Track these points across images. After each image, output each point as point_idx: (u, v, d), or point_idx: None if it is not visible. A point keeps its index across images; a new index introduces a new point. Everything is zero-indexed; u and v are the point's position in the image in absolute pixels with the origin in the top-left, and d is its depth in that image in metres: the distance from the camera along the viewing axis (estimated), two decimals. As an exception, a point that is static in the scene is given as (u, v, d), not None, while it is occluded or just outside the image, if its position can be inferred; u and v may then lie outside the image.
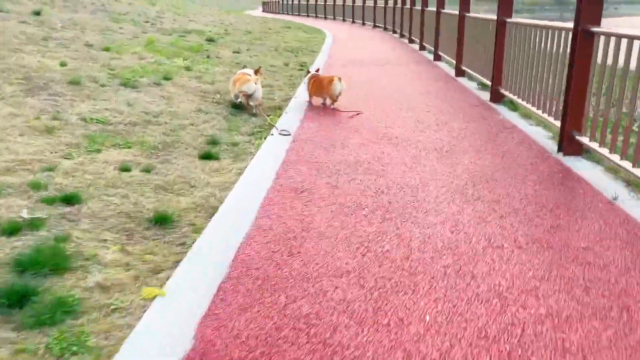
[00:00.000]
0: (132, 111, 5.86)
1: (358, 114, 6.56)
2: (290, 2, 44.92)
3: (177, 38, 12.56)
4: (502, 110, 6.72)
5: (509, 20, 6.77)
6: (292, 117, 6.50)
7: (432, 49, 12.76)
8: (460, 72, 9.47)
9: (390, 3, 21.21)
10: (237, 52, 11.99)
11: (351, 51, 14.25)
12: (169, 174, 4.24)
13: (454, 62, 9.87)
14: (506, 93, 6.81)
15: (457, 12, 9.42)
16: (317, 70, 7.57)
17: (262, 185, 4.05)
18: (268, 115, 6.45)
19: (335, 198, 3.80)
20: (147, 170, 4.24)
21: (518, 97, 6.32)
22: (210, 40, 13.21)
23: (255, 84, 6.60)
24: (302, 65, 11.40)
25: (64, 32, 9.88)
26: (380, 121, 6.13)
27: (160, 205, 3.61)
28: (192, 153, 4.85)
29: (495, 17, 7.12)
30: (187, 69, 8.81)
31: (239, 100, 6.72)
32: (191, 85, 7.65)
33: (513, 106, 6.73)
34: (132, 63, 8.38)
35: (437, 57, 11.87)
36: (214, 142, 5.20)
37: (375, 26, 24.60)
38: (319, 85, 6.98)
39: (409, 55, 13.37)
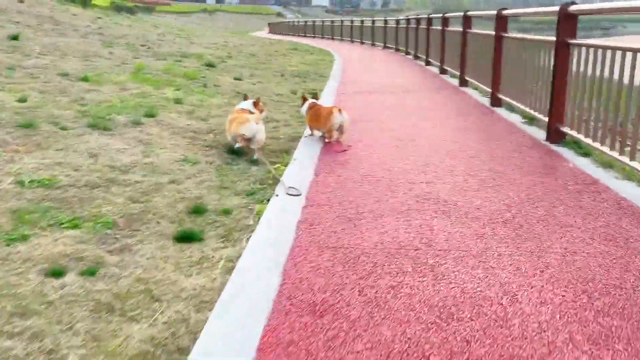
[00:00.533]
0: (95, 165, 4.47)
1: (348, 148, 5.40)
2: (296, 23, 43.99)
3: (172, 63, 11.26)
4: (568, 154, 5.29)
5: (571, 41, 5.38)
6: (302, 165, 5.10)
7: (456, 72, 11.42)
8: (496, 102, 8.07)
9: (403, 23, 19.96)
10: (239, 79, 10.66)
11: (364, 75, 12.92)
12: (123, 277, 2.82)
13: (487, 88, 8.50)
14: (575, 134, 5.36)
15: (492, 33, 8.06)
16: (316, 97, 6.35)
17: (259, 303, 2.61)
18: (272, 164, 5.07)
19: (376, 329, 2.36)
20: (90, 272, 2.82)
21: (601, 145, 4.85)
22: (209, 65, 11.91)
23: (257, 123, 5.20)
24: (311, 94, 10.05)
25: (38, 60, 8.59)
26: (416, 173, 4.71)
27: (88, 354, 2.18)
28: (165, 231, 3.44)
29: (549, 37, 5.75)
30: (178, 101, 7.46)
31: (237, 145, 5.36)
32: (179, 124, 6.28)
33: (582, 149, 5.31)
34: (111, 96, 7.04)
35: (463, 82, 10.49)
36: (198, 210, 3.80)
37: (385, 47, 23.36)
38: (317, 117, 5.89)
39: (429, 80, 12.00)
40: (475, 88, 10.20)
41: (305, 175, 4.77)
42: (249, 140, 5.29)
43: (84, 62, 9.22)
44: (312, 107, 6.05)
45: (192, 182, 4.43)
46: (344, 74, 13.32)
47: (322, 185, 4.47)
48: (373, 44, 25.51)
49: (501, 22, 7.88)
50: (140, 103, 6.89)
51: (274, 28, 51.44)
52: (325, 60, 17.11)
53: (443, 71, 12.86)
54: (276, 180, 4.53)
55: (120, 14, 31.35)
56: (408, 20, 18.82)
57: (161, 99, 7.39)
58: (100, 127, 5.48)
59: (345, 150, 5.58)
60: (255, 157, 5.24)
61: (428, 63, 15.15)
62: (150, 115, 6.30)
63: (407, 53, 19.34)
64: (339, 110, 5.66)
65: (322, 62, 16.42)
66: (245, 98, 6.20)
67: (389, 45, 22.89)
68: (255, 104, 5.83)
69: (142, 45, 14.14)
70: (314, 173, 4.83)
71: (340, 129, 5.75)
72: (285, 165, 5.12)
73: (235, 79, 10.63)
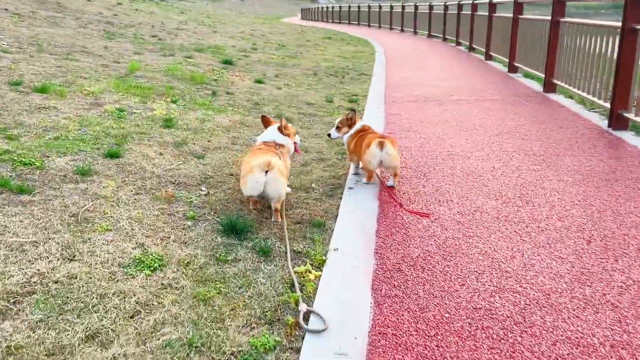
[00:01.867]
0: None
1: (425, 215, 2.98)
2: (330, 9, 41.31)
3: (180, 61, 9.03)
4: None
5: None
6: (347, 267, 2.84)
7: (531, 70, 8.89)
8: (620, 122, 5.59)
9: (453, 9, 17.29)
10: (260, 82, 8.37)
11: (414, 73, 10.48)
12: None
13: (591, 98, 6.02)
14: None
15: (618, 23, 5.57)
16: (351, 121, 4.42)
17: None
18: (297, 256, 2.86)
19: None
20: None
21: None
22: (226, 62, 9.64)
23: (267, 172, 3.26)
24: (351, 101, 7.72)
25: (-5, 60, 6.46)
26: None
27: None
28: None
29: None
30: (168, 122, 5.23)
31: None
32: (156, 169, 4.03)
33: None
34: (68, 117, 4.85)
35: (550, 88, 7.97)
36: None
37: (430, 35, 20.71)
38: (357, 147, 4.22)
39: (498, 82, 9.49)
40: (568, 95, 7.71)
41: (354, 299, 2.50)
42: (261, 197, 3.37)
43: (60, 62, 7.07)
44: (361, 132, 4.31)
45: (133, 328, 2.19)
46: (389, 71, 10.89)
47: (391, 334, 2.17)
48: (415, 32, 22.84)
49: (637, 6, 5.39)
50: (108, 129, 4.68)
51: (306, 14, 48.85)
52: (364, 53, 14.66)
53: (513, 69, 10.31)
54: (296, 305, 2.30)
55: None
56: (460, 5, 16.17)
57: (144, 121, 5.17)
58: (13, 187, 3.28)
59: (423, 215, 3.30)
60: (274, 219, 3.39)
61: (489, 57, 12.56)
62: (114, 154, 4.08)
63: (458, 43, 16.71)
64: (381, 143, 3.90)
65: (361, 55, 13.99)
66: (266, 122, 4.03)
67: (434, 34, 20.25)
68: (282, 130, 3.85)
69: (152, 37, 11.97)
70: (371, 293, 2.55)
71: (389, 168, 4.03)
72: (319, 266, 2.85)
73: (257, 81, 8.34)
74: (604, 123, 5.93)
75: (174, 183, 3.84)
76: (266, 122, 3.98)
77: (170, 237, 3.05)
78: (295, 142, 3.91)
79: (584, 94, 6.66)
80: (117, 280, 2.56)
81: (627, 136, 5.41)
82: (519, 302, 2.51)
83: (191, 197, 3.63)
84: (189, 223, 3.25)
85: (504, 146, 5.12)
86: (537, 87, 8.59)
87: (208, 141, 4.96)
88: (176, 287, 2.57)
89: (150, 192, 3.62)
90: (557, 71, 7.81)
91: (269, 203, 3.42)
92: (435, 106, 7.31)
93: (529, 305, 2.49)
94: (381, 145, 3.84)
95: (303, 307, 2.43)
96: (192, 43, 12.05)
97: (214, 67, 8.84)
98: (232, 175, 4.14)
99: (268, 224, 3.33)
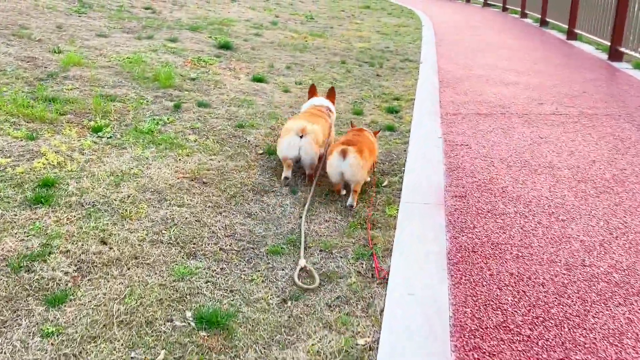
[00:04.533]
0: None
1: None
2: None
3: (156, 46, 6.46)
4: None
5: None
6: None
7: None
8: None
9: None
10: (260, 80, 5.72)
11: (475, 59, 7.64)
12: None
13: None
14: None
15: None
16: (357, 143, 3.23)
17: None
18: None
19: None
20: None
21: None
22: (224, 47, 7.02)
23: (302, 136, 3.20)
24: (391, 110, 5.08)
25: None
26: None
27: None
28: None
29: None
30: (43, 191, 2.75)
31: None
32: None
33: None
34: None
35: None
36: None
37: (486, 4, 17.43)
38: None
39: (602, 78, 6.59)
40: None
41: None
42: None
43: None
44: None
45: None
46: (441, 56, 8.05)
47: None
48: (468, 0, 19.50)
49: None
50: None
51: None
52: (409, 27, 11.73)
53: (616, 55, 7.34)
54: None
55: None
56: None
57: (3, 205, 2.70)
58: None
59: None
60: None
61: (571, 35, 9.51)
62: None
63: (524, 15, 13.54)
64: (343, 150, 3.04)
65: (405, 31, 11.08)
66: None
67: (492, 3, 16.98)
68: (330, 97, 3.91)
69: (146, 9, 9.42)
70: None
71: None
72: None
73: (255, 79, 5.70)
74: None
75: None
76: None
77: None
78: None
79: None
80: None
81: None
82: None
83: None
84: None
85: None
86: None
87: (102, 243, 2.47)
88: None
89: None
90: None
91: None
92: (521, 126, 4.57)
93: None
94: (343, 153, 3.02)
95: (302, 262, 2.44)
96: (195, 17, 9.44)
97: (200, 56, 6.25)
98: None
99: None
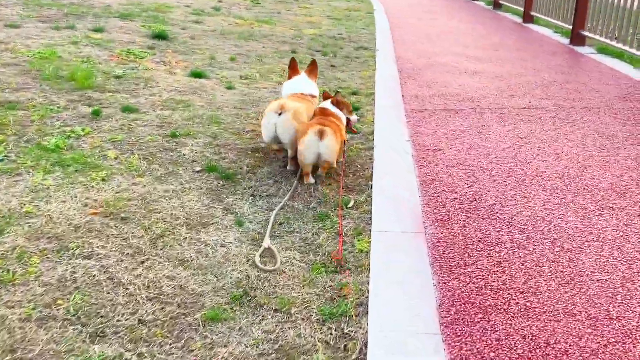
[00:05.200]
0: None
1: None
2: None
3: (77, 37, 5.56)
4: None
5: None
6: None
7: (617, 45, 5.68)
8: None
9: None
10: (200, 75, 4.95)
11: (435, 45, 7.10)
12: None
13: None
14: None
15: None
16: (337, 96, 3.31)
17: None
18: None
19: None
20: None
21: None
22: (158, 37, 6.16)
23: (280, 113, 3.02)
24: (353, 104, 4.44)
25: None
26: None
27: None
28: None
29: None
30: None
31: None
32: None
33: None
34: None
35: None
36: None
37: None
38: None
39: (569, 64, 6.19)
40: None
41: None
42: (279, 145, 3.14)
43: None
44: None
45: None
46: (398, 43, 7.47)
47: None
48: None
49: None
50: None
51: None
52: (360, 11, 11.09)
53: (578, 39, 6.97)
54: None
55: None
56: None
57: None
58: None
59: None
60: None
61: (528, 18, 9.14)
62: None
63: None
64: (319, 130, 2.93)
65: (356, 15, 10.44)
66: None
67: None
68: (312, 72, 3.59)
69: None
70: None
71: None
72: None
73: (194, 74, 4.94)
74: None
75: None
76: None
77: None
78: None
79: None
80: None
81: None
82: None
83: None
84: None
85: None
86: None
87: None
88: None
89: None
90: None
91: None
92: (496, 124, 4.05)
93: None
94: (321, 133, 2.88)
95: (267, 242, 2.38)
96: (127, 2, 8.48)
97: (130, 49, 5.42)
98: None
99: None
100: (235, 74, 5.24)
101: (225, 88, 4.74)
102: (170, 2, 9.63)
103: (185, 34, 6.73)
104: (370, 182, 3.09)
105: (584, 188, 3.01)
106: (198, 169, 3.10)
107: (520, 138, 3.78)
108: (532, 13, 8.95)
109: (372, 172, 3.23)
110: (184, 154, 3.25)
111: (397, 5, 12.47)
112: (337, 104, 3.27)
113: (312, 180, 3.02)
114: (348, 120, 3.33)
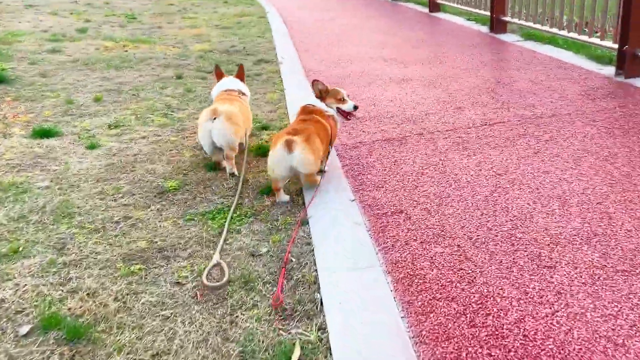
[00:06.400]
0: None
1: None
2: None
3: None
4: None
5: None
6: None
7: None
8: None
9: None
10: (49, 133, 3.53)
11: (347, 51, 6.04)
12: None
13: None
14: None
15: None
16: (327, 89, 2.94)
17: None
18: None
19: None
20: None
21: None
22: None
23: (215, 118, 2.93)
24: (264, 146, 3.26)
25: None
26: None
27: None
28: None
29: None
30: None
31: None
32: None
33: None
34: None
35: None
36: None
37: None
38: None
39: (503, 57, 5.39)
40: None
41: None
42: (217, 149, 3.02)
43: None
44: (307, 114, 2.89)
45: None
46: (302, 53, 6.33)
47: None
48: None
49: None
50: None
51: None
52: (252, 17, 9.83)
53: (499, 26, 6.21)
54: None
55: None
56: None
57: None
58: None
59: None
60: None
61: (434, 7, 8.38)
62: None
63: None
64: (288, 142, 2.55)
65: (248, 22, 9.19)
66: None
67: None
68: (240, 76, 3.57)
69: None
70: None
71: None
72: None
73: (40, 132, 3.50)
74: None
75: None
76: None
77: None
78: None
79: None
80: None
81: None
82: None
83: None
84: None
85: None
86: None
87: None
88: None
89: None
90: None
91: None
92: (459, 156, 3.02)
93: None
94: (289, 145, 2.52)
95: (216, 257, 2.17)
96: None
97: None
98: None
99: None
100: (101, 122, 3.86)
101: (85, 148, 3.36)
102: (24, 27, 7.88)
103: (35, 71, 5.17)
104: (315, 293, 1.93)
105: (615, 256, 2.03)
106: (25, 330, 1.77)
107: (499, 175, 2.78)
108: (439, 1, 8.19)
109: (317, 273, 2.07)
110: (2, 300, 1.90)
111: (288, 6, 11.34)
112: (320, 96, 2.89)
113: (284, 197, 2.67)
114: (340, 110, 2.89)
